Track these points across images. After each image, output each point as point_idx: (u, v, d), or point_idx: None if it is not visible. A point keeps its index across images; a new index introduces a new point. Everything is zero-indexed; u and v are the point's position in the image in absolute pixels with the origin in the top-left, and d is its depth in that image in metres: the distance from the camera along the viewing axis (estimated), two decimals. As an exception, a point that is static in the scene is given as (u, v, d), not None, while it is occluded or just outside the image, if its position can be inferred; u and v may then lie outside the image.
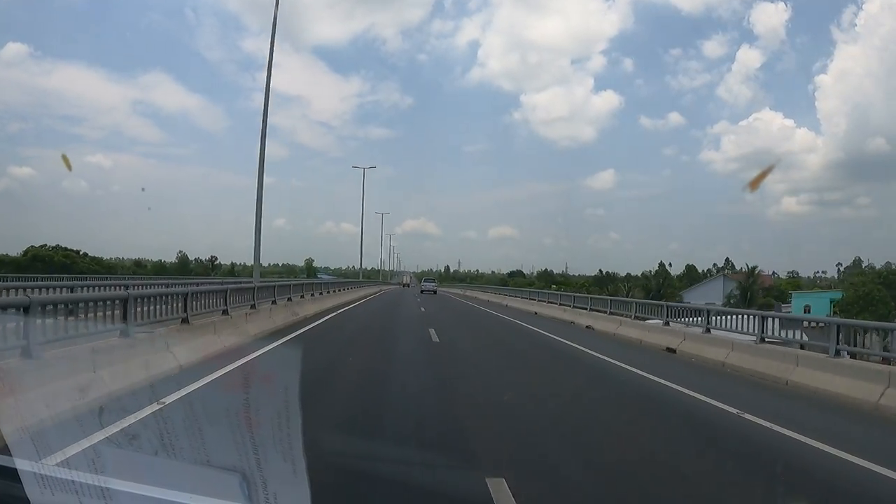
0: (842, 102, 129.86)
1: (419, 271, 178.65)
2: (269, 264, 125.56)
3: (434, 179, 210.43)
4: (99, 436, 2.50)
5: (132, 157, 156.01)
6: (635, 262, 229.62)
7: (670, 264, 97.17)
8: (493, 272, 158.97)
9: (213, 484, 1.16)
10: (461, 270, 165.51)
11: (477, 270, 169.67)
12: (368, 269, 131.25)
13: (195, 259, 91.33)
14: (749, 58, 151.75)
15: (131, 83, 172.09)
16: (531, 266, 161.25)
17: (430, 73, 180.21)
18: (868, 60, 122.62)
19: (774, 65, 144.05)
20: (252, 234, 17.46)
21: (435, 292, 53.41)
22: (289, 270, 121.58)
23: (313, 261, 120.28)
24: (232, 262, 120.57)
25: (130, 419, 3.66)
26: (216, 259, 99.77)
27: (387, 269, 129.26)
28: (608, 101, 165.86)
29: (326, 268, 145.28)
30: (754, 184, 3.04)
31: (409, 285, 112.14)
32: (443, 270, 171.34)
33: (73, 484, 1.15)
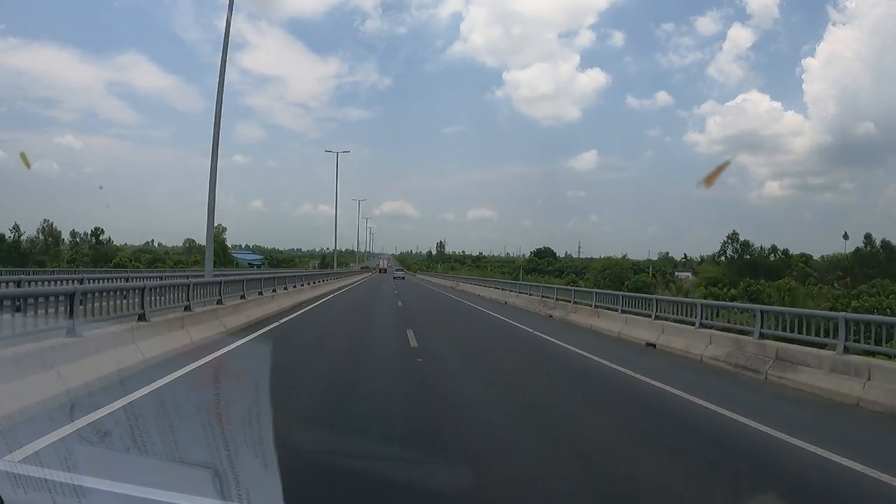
0: (830, 86, 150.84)
1: (398, 253, 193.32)
2: (195, 244, 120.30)
3: (413, 161, 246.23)
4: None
5: (107, 139, 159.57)
6: (617, 244, 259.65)
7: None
8: (481, 253, 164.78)
9: (186, 480, 1.45)
10: (448, 252, 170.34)
11: (463, 251, 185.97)
12: (343, 250, 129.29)
13: (71, 233, 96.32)
14: (741, 37, 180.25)
15: (106, 64, 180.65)
16: (517, 248, 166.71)
17: (410, 49, 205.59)
18: (858, 44, 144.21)
19: (766, 45, 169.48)
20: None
21: (403, 278, 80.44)
22: (189, 251, 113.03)
23: (225, 229, 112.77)
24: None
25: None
26: (101, 233, 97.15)
27: (363, 251, 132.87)
28: (595, 78, 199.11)
29: (257, 246, 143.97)
30: (709, 179, 3.27)
31: (386, 270, 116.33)
32: (427, 253, 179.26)
33: (45, 482, 1.45)
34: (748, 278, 70.28)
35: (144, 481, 1.52)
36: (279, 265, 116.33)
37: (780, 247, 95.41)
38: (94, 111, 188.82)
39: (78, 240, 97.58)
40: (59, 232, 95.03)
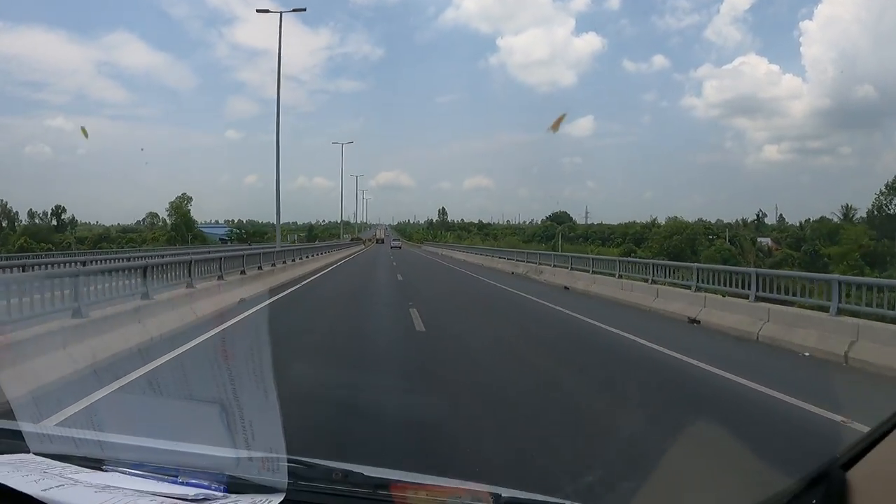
0: (828, 48, 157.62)
1: (395, 223, 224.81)
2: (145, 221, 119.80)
3: (408, 131, 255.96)
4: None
5: (99, 119, 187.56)
6: (616, 209, 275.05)
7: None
8: (480, 221, 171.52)
9: (197, 416, 1.58)
10: (451, 220, 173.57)
11: (462, 220, 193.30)
12: (339, 222, 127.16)
13: (28, 213, 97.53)
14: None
15: (94, 44, 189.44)
16: (516, 215, 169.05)
17: (402, 18, 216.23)
18: (856, 7, 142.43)
19: (764, 7, 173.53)
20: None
21: (400, 247, 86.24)
22: (152, 227, 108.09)
23: (190, 200, 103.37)
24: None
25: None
26: (62, 211, 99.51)
27: (353, 221, 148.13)
28: (590, 43, 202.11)
29: (251, 221, 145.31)
30: (555, 126, 3.33)
31: (383, 240, 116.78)
32: (426, 222, 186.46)
33: (71, 431, 1.57)
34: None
35: (160, 426, 1.66)
36: (249, 238, 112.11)
37: (770, 213, 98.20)
38: (85, 92, 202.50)
39: (37, 220, 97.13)
40: (16, 213, 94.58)
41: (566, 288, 26.34)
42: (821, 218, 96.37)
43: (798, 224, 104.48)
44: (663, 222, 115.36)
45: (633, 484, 4.93)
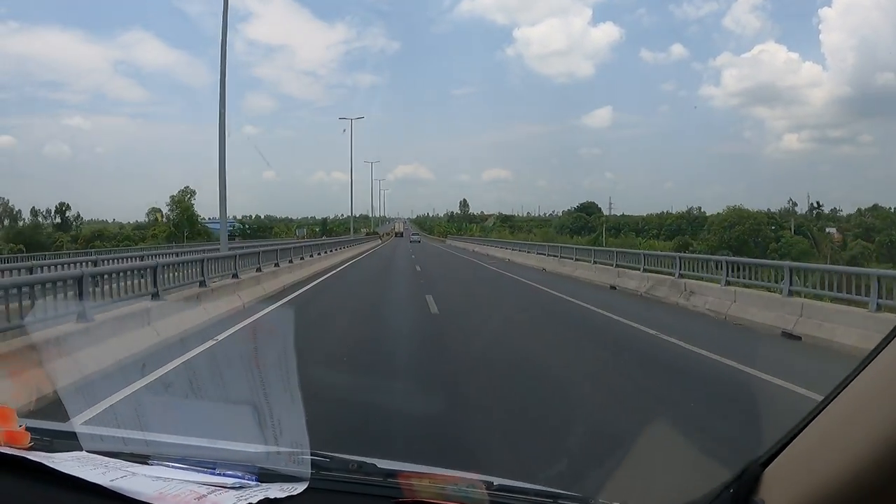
0: (848, 35, 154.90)
1: (414, 217, 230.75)
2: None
3: (426, 124, 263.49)
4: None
5: (117, 118, 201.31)
6: (635, 200, 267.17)
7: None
8: (500, 213, 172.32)
9: (231, 416, 1.77)
10: (472, 212, 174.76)
11: (482, 212, 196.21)
12: (357, 216, 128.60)
13: (31, 211, 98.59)
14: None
15: (111, 43, 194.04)
16: (535, 207, 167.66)
17: (418, 10, 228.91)
18: None
19: None
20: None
21: (419, 241, 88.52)
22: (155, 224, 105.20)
23: (193, 194, 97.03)
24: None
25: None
26: (67, 209, 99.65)
27: (370, 215, 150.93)
28: (608, 33, 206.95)
29: (269, 216, 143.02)
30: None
31: (402, 234, 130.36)
32: (446, 214, 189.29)
33: (119, 432, 1.78)
34: None
35: (198, 421, 1.87)
36: (254, 234, 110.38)
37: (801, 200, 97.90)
38: (102, 91, 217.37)
39: (39, 218, 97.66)
40: (19, 211, 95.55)
41: (786, 334, 12.99)
42: (874, 206, 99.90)
43: (831, 211, 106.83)
44: (696, 213, 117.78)
45: None
